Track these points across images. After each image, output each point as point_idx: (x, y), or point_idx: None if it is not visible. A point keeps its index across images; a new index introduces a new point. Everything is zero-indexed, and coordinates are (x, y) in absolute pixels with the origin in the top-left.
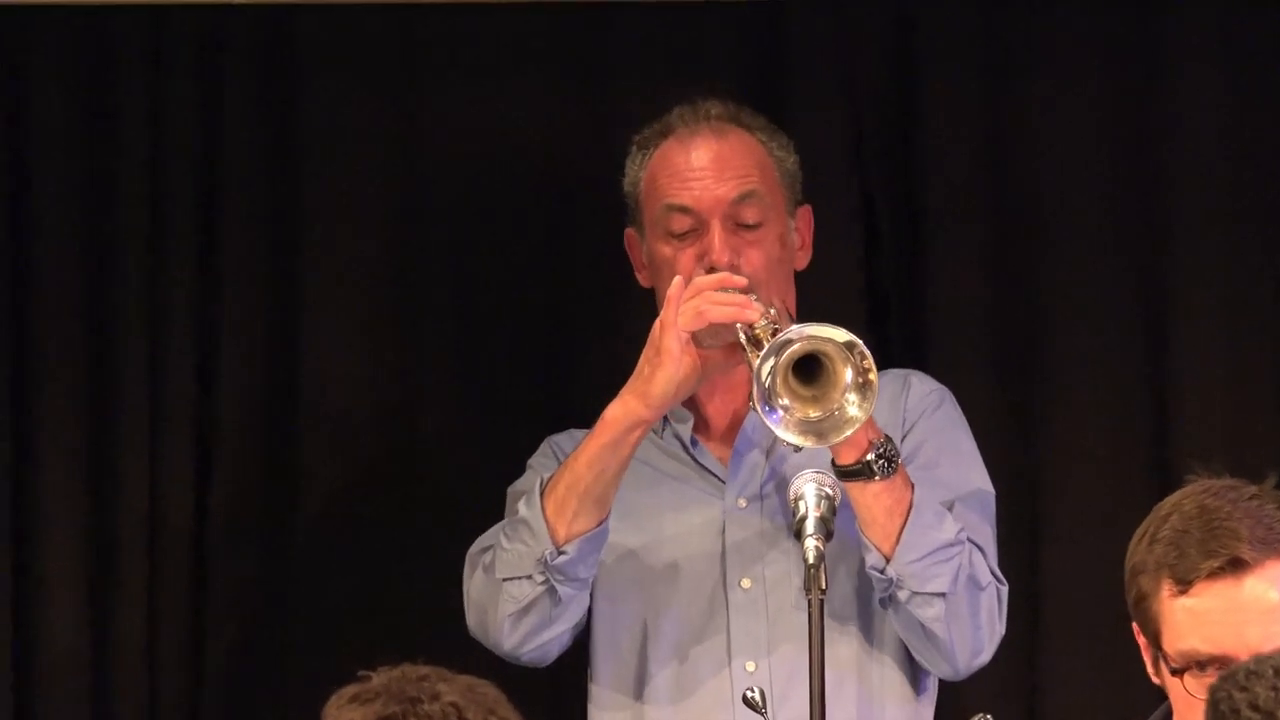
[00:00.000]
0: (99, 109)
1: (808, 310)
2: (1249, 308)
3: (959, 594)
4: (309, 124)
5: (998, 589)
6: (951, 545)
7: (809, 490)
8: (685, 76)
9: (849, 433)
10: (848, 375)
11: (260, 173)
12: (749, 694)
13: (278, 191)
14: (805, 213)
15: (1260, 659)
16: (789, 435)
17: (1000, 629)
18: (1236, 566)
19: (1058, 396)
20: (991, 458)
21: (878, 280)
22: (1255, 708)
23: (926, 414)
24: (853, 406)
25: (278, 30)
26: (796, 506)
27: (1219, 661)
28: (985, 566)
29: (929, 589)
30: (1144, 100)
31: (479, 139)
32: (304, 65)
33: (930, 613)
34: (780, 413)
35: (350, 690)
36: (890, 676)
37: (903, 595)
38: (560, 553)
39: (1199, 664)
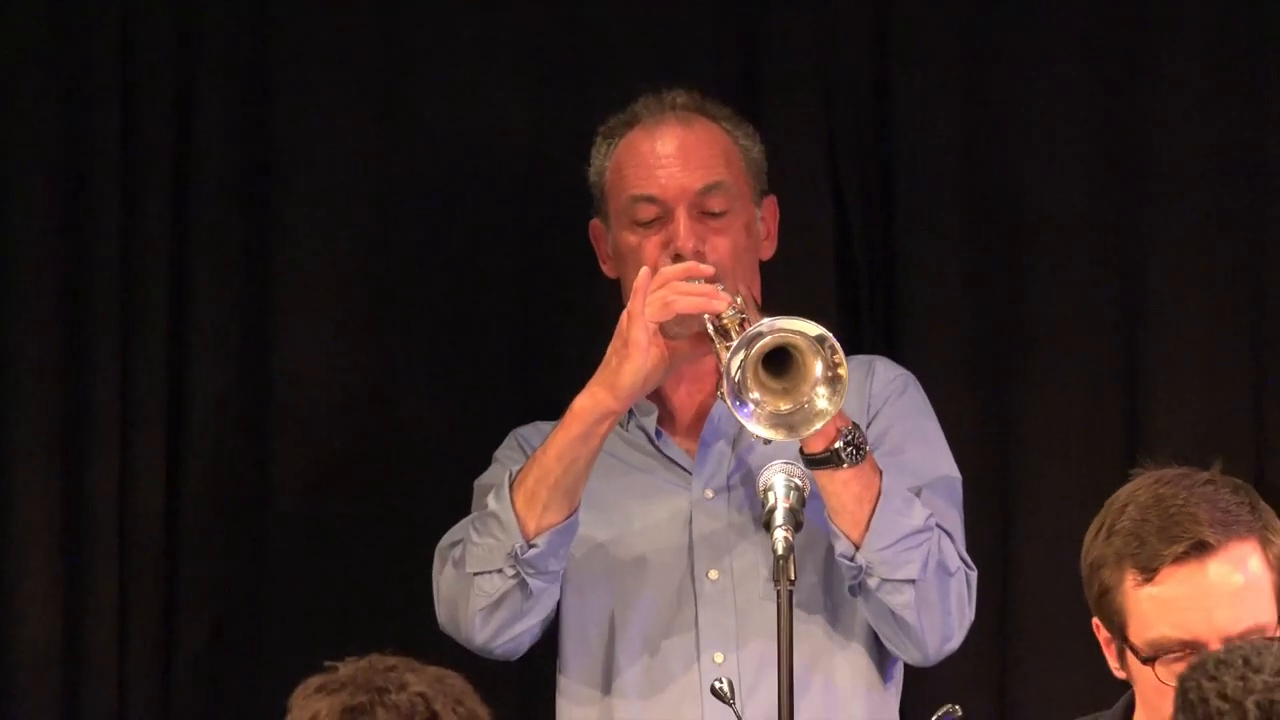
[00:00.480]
0: (71, 100)
1: (779, 303)
2: (1226, 306)
3: (929, 580)
4: (284, 116)
5: (967, 574)
6: (920, 531)
7: (778, 481)
8: (662, 66)
9: (819, 426)
10: (818, 368)
11: (234, 166)
12: (717, 684)
13: (251, 185)
14: (770, 203)
15: (1229, 648)
16: (759, 429)
17: (970, 614)
18: (1201, 550)
19: (1031, 391)
20: (964, 451)
21: (849, 273)
22: (1224, 697)
23: (891, 399)
24: (822, 400)
25: (254, 20)
26: (766, 497)
27: (1189, 647)
28: (954, 552)
29: (899, 576)
30: (1123, 94)
31: (453, 129)
32: (280, 56)
33: (900, 599)
34: (751, 406)
35: (317, 680)
36: (856, 667)
37: (872, 582)
38: (531, 546)
39: (1169, 652)
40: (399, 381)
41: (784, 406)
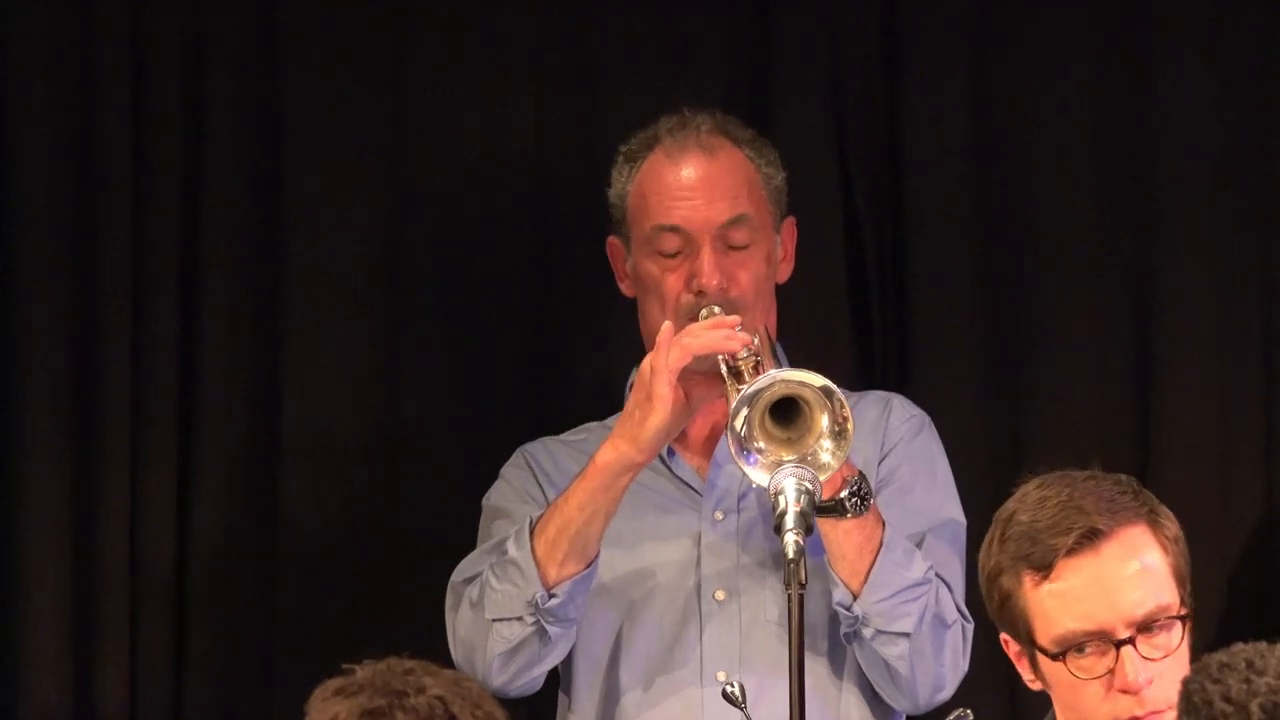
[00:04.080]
0: (79, 113)
1: (791, 312)
2: (1236, 305)
3: (924, 633)
4: (293, 131)
5: (963, 626)
6: (919, 585)
7: (789, 485)
8: (672, 73)
9: (822, 479)
10: (824, 421)
11: (243, 187)
12: (729, 689)
13: (260, 207)
14: (789, 225)
15: (1232, 651)
16: (763, 477)
17: (963, 666)
18: (1093, 538)
19: (1042, 394)
20: (974, 455)
21: (861, 278)
22: (1228, 700)
23: (906, 439)
24: (826, 453)
25: (262, 27)
26: (776, 501)
27: (1096, 637)
28: (952, 604)
29: (894, 628)
30: (1132, 97)
31: (461, 136)
32: (288, 64)
33: (894, 651)
34: (756, 456)
35: (335, 683)
36: (861, 697)
37: (867, 632)
38: (551, 595)
39: (1077, 644)
40: (412, 408)
41: (787, 457)
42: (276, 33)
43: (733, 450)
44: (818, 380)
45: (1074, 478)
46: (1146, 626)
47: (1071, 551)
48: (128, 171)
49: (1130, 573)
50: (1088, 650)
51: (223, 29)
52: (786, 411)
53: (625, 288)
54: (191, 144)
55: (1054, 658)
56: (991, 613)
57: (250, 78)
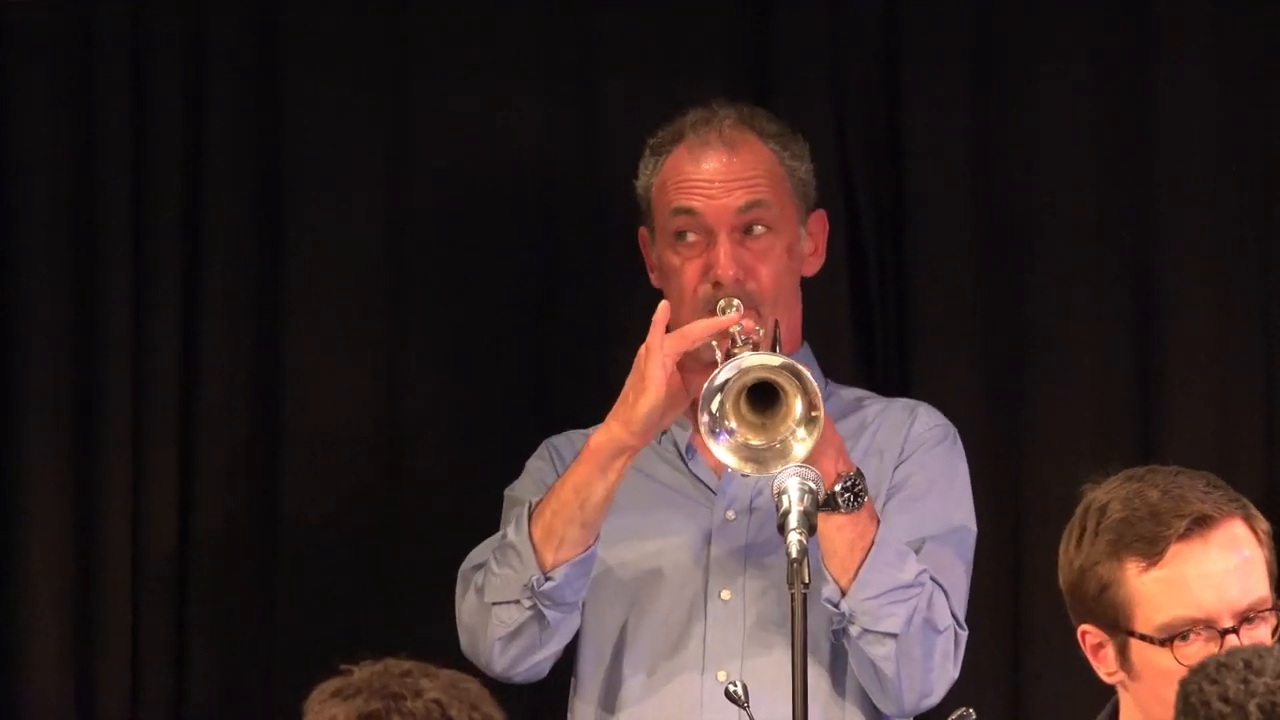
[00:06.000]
0: (79, 113)
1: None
2: (1237, 304)
3: (912, 635)
4: (293, 131)
5: (956, 633)
6: (909, 586)
7: (792, 485)
8: (673, 71)
9: (791, 467)
10: (798, 408)
11: (244, 186)
12: (731, 688)
13: (262, 205)
14: (819, 218)
15: (1231, 651)
16: (728, 458)
17: (953, 673)
18: (1202, 525)
19: (1044, 393)
20: (976, 455)
21: (862, 276)
22: (1226, 700)
23: (926, 446)
24: (799, 442)
25: (262, 27)
26: (779, 501)
27: (1203, 625)
28: (946, 609)
29: (880, 628)
30: (1132, 97)
31: (463, 134)
32: (288, 64)
33: (880, 651)
34: (725, 436)
35: (332, 685)
36: (862, 705)
37: (854, 631)
38: (547, 579)
39: (1183, 631)
40: (416, 401)
41: (754, 440)
42: (276, 33)
43: (703, 430)
44: (775, 360)
45: (1163, 472)
46: (1248, 618)
47: (1183, 538)
48: (128, 171)
49: (1236, 562)
50: (1193, 638)
51: (223, 29)
52: (766, 399)
53: (654, 278)
54: (191, 144)
55: (1160, 644)
56: (1083, 605)
57: (250, 78)
